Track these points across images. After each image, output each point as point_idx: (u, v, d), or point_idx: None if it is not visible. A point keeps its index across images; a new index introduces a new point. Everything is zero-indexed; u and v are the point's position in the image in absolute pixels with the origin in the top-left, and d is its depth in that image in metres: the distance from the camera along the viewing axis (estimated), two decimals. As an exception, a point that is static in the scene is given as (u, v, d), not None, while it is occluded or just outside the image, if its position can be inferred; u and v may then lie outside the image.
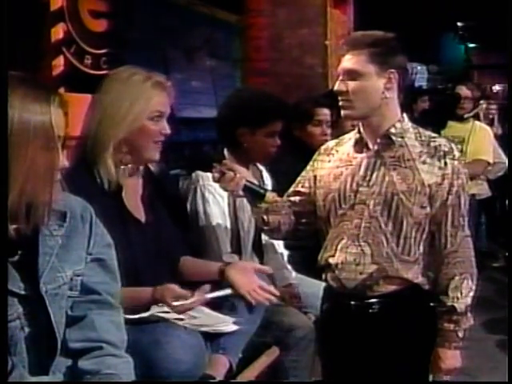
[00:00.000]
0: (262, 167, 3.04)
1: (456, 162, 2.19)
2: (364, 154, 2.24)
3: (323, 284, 2.36)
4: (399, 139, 2.20)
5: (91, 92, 2.26)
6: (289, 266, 3.13)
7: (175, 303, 2.08)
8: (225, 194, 2.77)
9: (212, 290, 2.16)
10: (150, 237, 2.23)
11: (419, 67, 10.94)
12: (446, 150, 2.19)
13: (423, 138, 2.22)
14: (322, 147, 2.41)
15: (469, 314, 2.21)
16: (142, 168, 2.30)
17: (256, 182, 2.46)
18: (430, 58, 11.34)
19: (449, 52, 12.94)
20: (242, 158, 2.80)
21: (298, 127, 3.59)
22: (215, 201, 2.80)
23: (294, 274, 3.12)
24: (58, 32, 3.45)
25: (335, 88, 2.22)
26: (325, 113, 3.56)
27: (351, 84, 2.16)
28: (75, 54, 3.56)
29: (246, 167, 2.72)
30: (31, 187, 1.51)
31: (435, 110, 5.80)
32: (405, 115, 2.26)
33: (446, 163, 2.17)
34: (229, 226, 2.84)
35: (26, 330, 1.57)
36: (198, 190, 2.80)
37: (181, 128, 4.48)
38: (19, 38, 3.07)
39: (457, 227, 2.19)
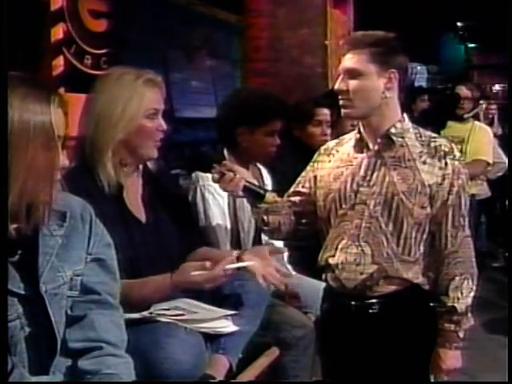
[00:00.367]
0: (261, 167, 3.04)
1: (456, 162, 2.19)
2: (364, 154, 2.24)
3: (323, 284, 2.36)
4: (399, 139, 2.20)
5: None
6: (289, 266, 3.13)
7: (196, 273, 2.08)
8: (225, 195, 2.77)
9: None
10: (150, 237, 2.23)
11: (419, 67, 10.94)
12: (447, 150, 2.19)
13: (423, 138, 2.22)
14: (323, 147, 2.41)
15: (469, 315, 2.21)
16: (141, 168, 2.30)
17: (256, 182, 2.46)
18: (429, 58, 11.34)
19: (449, 52, 12.95)
20: (242, 157, 2.80)
21: (297, 127, 3.59)
22: (215, 201, 2.80)
23: (294, 274, 3.12)
24: (58, 32, 3.46)
25: (336, 87, 2.22)
26: (325, 113, 3.55)
27: (352, 83, 2.16)
28: (75, 54, 3.57)
29: (246, 167, 2.71)
30: (31, 187, 1.51)
31: (435, 110, 5.80)
32: (405, 115, 2.26)
33: (446, 163, 2.17)
34: (229, 226, 2.84)
35: (26, 329, 1.57)
36: (198, 191, 2.80)
37: (181, 128, 4.48)
38: (19, 37, 3.07)
39: (457, 227, 2.19)
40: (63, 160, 1.57)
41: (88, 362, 1.64)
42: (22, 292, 1.56)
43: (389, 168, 2.19)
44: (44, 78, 3.17)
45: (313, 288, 2.79)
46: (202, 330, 2.14)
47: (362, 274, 2.18)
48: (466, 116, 5.28)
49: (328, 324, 2.39)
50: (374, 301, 2.20)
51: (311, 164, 2.40)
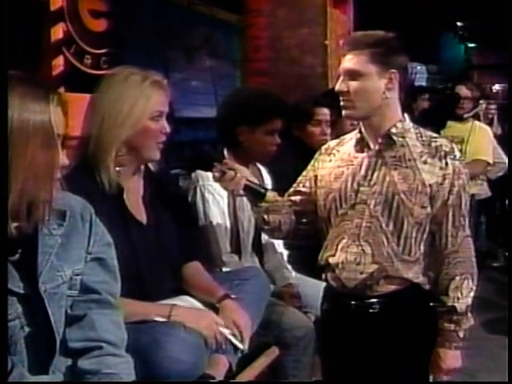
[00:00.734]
0: (261, 167, 3.04)
1: (457, 162, 2.19)
2: (365, 154, 2.24)
3: (323, 284, 2.36)
4: (400, 139, 2.20)
5: (91, 92, 2.26)
6: (288, 266, 3.13)
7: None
8: (224, 194, 2.77)
9: None
10: (151, 238, 2.23)
11: (419, 67, 10.93)
12: (447, 150, 2.19)
13: (424, 138, 2.22)
14: (323, 147, 2.42)
15: (469, 314, 2.21)
16: (143, 169, 2.29)
17: (256, 181, 2.46)
18: (429, 58, 11.34)
19: (448, 52, 12.95)
20: (242, 157, 2.80)
21: (297, 127, 3.58)
22: (215, 201, 2.80)
23: (293, 273, 3.12)
24: (58, 32, 3.45)
25: (336, 88, 2.21)
26: (324, 112, 3.55)
27: (352, 84, 2.16)
28: (75, 53, 3.56)
29: (246, 167, 2.70)
30: (32, 186, 1.51)
31: (435, 110, 5.80)
32: (406, 115, 2.26)
33: (447, 163, 2.17)
34: (228, 226, 2.84)
35: (26, 329, 1.57)
36: (198, 191, 2.80)
37: (181, 128, 4.48)
38: (19, 37, 3.07)
39: (457, 227, 2.19)
40: (63, 159, 1.57)
41: (88, 361, 1.64)
42: (22, 291, 1.56)
43: (389, 168, 2.19)
44: (44, 78, 3.17)
45: (313, 288, 2.79)
46: None
47: (362, 273, 2.18)
48: (465, 116, 5.27)
49: (328, 323, 2.39)
50: (374, 300, 2.20)
51: (312, 163, 2.40)
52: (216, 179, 2.28)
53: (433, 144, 2.21)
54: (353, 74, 2.16)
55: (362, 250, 2.18)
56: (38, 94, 1.52)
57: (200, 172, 2.77)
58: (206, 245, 2.80)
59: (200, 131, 4.81)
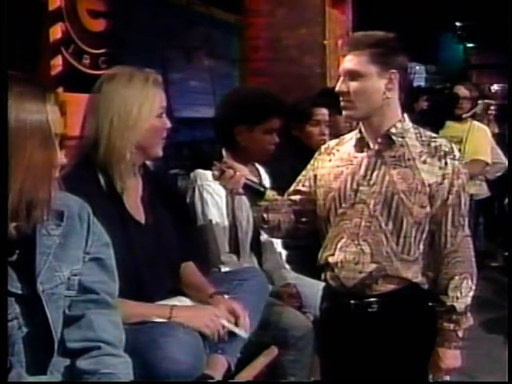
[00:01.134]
0: (260, 167, 3.04)
1: (456, 162, 2.19)
2: (365, 154, 2.24)
3: (322, 284, 2.36)
4: (400, 139, 2.20)
5: (90, 92, 2.26)
6: (287, 266, 3.13)
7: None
8: (223, 194, 2.77)
9: None
10: (150, 238, 2.23)
11: (417, 67, 10.96)
12: (447, 150, 2.19)
13: (424, 138, 2.23)
14: (323, 146, 2.42)
15: (468, 314, 2.21)
16: (142, 168, 2.29)
17: (256, 180, 2.46)
18: (428, 58, 11.36)
19: (447, 52, 12.97)
20: (241, 157, 2.79)
21: (296, 127, 3.58)
22: (213, 201, 2.79)
23: (292, 273, 3.12)
24: (57, 32, 3.46)
25: (336, 89, 2.22)
26: (323, 113, 3.55)
27: (352, 84, 2.16)
28: (73, 53, 3.57)
29: (245, 167, 2.71)
30: (30, 185, 1.51)
31: (433, 110, 5.81)
32: (405, 115, 2.26)
33: (446, 163, 2.17)
34: (227, 225, 2.83)
35: (24, 329, 1.56)
36: (196, 190, 2.80)
37: (179, 127, 4.48)
38: (18, 37, 3.07)
39: (457, 227, 2.19)
40: (61, 158, 1.57)
41: (86, 361, 1.64)
42: (20, 292, 1.56)
43: (389, 167, 2.19)
44: (42, 78, 3.17)
45: (311, 288, 2.79)
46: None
47: (361, 272, 2.18)
48: (464, 116, 5.28)
49: (327, 323, 2.39)
50: (373, 300, 2.20)
51: (312, 163, 2.40)
52: (215, 178, 2.28)
53: (432, 144, 2.21)
54: (353, 75, 2.16)
55: (361, 249, 2.18)
56: (35, 93, 1.52)
57: (198, 172, 2.77)
58: (205, 245, 2.80)
59: (199, 131, 4.82)
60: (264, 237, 2.93)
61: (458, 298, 2.18)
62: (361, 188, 2.20)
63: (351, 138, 2.32)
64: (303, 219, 2.39)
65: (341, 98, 2.21)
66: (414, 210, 2.15)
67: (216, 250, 2.80)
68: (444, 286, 2.20)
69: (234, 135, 2.84)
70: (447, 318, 2.20)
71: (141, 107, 2.13)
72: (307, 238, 2.51)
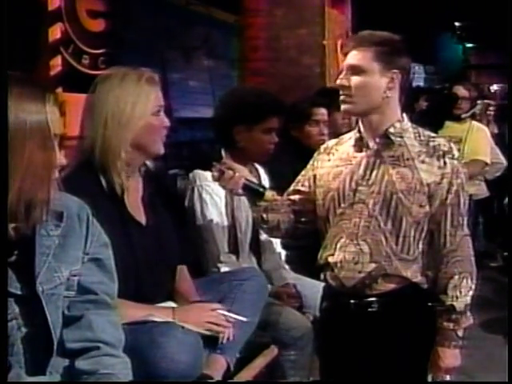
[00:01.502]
0: (259, 167, 3.04)
1: (455, 162, 2.19)
2: (364, 154, 2.24)
3: (321, 284, 2.36)
4: (398, 139, 2.21)
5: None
6: (286, 266, 3.13)
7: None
8: (222, 195, 2.77)
9: None
10: (150, 239, 2.22)
11: (417, 67, 10.95)
12: (446, 149, 2.20)
13: (422, 138, 2.23)
14: (322, 146, 2.42)
15: (468, 313, 2.21)
16: (142, 169, 2.29)
17: (255, 180, 2.46)
18: (427, 58, 11.36)
19: (446, 52, 12.98)
20: (240, 157, 2.79)
21: (295, 127, 3.59)
22: (212, 201, 2.79)
23: (291, 273, 3.12)
24: (56, 32, 3.46)
25: (337, 82, 2.22)
26: (322, 112, 3.56)
27: (354, 79, 2.17)
28: (73, 53, 3.57)
29: (244, 167, 2.71)
30: (29, 186, 1.50)
31: (432, 110, 5.80)
32: (404, 115, 2.26)
33: (445, 162, 2.17)
34: (226, 226, 2.83)
35: (23, 330, 1.56)
36: (196, 191, 2.80)
37: (179, 128, 4.48)
38: (17, 37, 3.07)
39: (456, 226, 2.19)
40: (60, 159, 1.57)
41: (85, 362, 1.64)
42: (19, 292, 1.56)
43: (388, 167, 2.19)
44: (42, 78, 3.17)
45: (311, 288, 2.79)
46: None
47: (360, 272, 2.18)
48: (463, 116, 5.27)
49: (327, 323, 2.39)
50: (373, 299, 2.20)
51: (311, 163, 2.40)
52: (215, 179, 2.28)
53: (431, 143, 2.21)
54: (356, 70, 2.17)
55: (360, 249, 2.18)
56: (34, 94, 1.52)
57: (198, 172, 2.77)
58: (204, 245, 2.80)
59: (198, 131, 4.82)
60: (263, 237, 2.93)
61: (457, 298, 2.18)
62: (360, 188, 2.20)
63: (350, 138, 2.32)
64: (302, 219, 2.39)
65: (341, 92, 2.21)
66: (413, 210, 2.15)
67: (215, 250, 2.80)
68: (443, 286, 2.20)
69: (233, 135, 2.84)
70: (447, 317, 2.20)
71: (134, 105, 2.13)
72: (307, 237, 2.51)
